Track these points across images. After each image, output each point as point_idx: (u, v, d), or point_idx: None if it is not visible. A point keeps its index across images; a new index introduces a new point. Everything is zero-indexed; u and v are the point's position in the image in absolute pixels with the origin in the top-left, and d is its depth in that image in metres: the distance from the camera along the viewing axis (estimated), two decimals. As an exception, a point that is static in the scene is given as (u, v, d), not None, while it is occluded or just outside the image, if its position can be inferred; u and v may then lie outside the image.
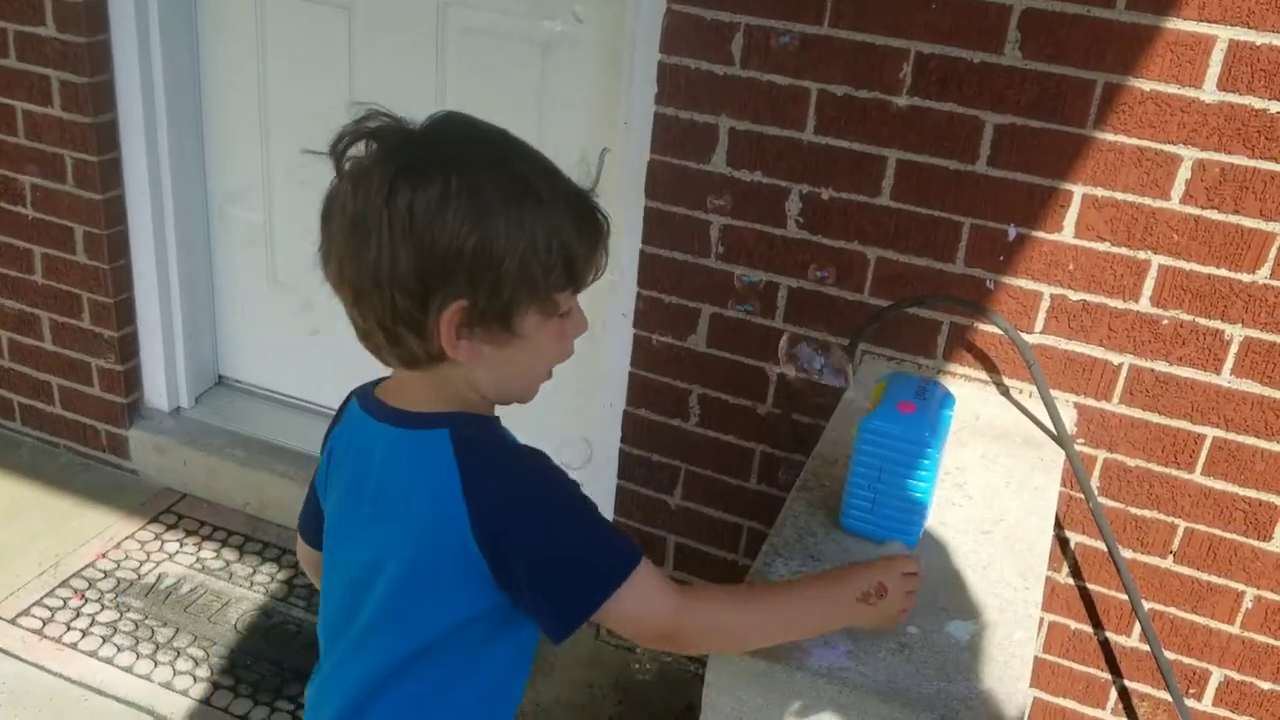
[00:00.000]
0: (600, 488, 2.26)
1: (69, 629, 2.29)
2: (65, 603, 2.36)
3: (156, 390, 2.77)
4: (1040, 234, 1.80)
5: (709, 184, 1.97)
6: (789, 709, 1.25)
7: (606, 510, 2.27)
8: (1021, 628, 1.36)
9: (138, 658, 2.23)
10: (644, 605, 1.08)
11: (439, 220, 0.99)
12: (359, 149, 1.04)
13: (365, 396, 1.16)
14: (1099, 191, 1.75)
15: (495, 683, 1.16)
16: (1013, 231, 1.81)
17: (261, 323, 2.78)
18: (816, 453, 1.70)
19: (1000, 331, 1.85)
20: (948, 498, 1.60)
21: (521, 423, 1.17)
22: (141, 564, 2.49)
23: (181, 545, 2.56)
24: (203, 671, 2.21)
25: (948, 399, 1.48)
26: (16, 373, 2.83)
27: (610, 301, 2.15)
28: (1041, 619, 2.02)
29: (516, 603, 1.08)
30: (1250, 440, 1.79)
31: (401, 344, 1.05)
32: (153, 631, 2.30)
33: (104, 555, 2.50)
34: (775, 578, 1.40)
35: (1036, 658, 2.05)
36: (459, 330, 1.03)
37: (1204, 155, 1.68)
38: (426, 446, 1.07)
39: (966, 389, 1.91)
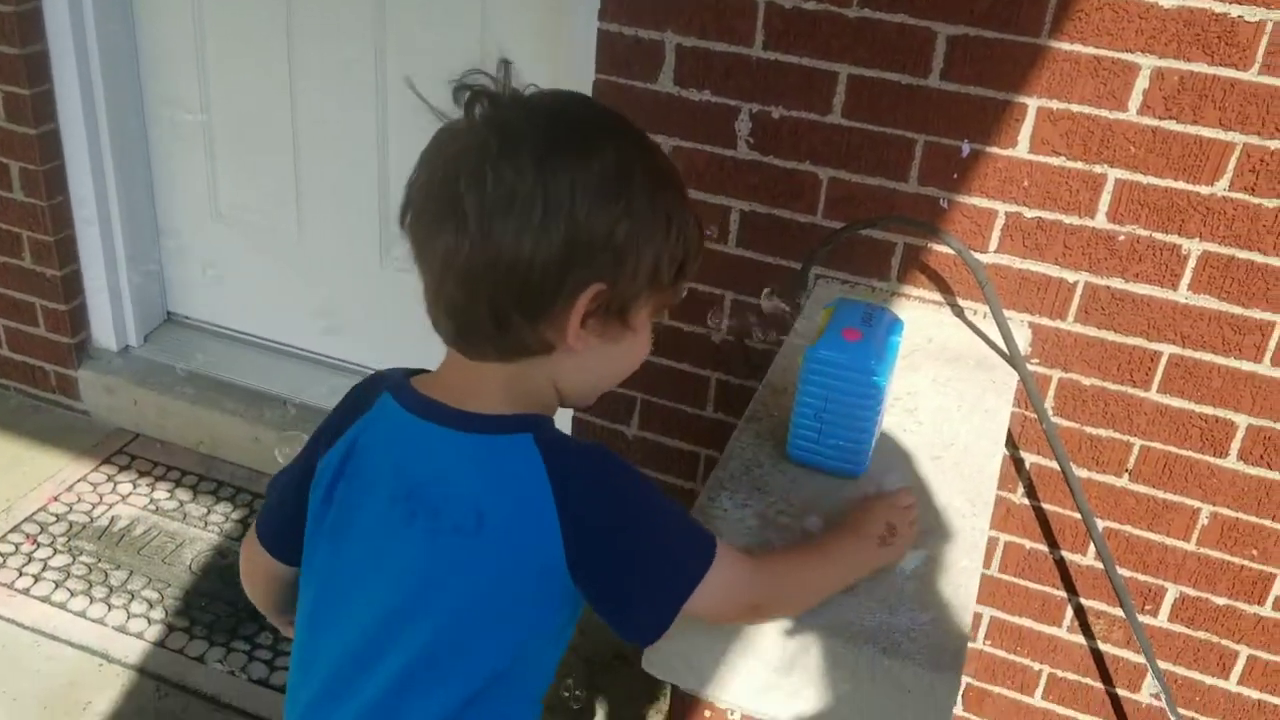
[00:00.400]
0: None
1: (21, 574, 2.26)
2: (17, 548, 2.33)
3: (104, 329, 2.71)
4: (994, 150, 1.74)
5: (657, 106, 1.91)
6: (731, 646, 1.22)
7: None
8: (968, 555, 1.33)
9: (91, 602, 2.21)
10: (721, 591, 1.07)
11: (598, 200, 0.95)
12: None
13: (402, 391, 1.06)
14: (1054, 104, 1.69)
15: (545, 678, 1.14)
16: (966, 148, 1.76)
17: (208, 257, 2.71)
18: (766, 381, 1.67)
19: (954, 252, 1.80)
20: (898, 424, 1.57)
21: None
22: (94, 507, 2.45)
23: (134, 486, 2.52)
24: (157, 614, 2.19)
25: (895, 325, 1.44)
26: (-41, 315, 2.76)
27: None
28: (997, 539, 2.02)
29: (593, 606, 1.04)
30: (1207, 356, 1.77)
31: (508, 331, 0.98)
32: (106, 575, 2.27)
33: (56, 499, 2.47)
34: (720, 512, 1.37)
35: (993, 578, 2.05)
36: (585, 318, 0.98)
37: (1162, 63, 1.62)
38: (508, 454, 1.00)
39: (920, 311, 1.87)
